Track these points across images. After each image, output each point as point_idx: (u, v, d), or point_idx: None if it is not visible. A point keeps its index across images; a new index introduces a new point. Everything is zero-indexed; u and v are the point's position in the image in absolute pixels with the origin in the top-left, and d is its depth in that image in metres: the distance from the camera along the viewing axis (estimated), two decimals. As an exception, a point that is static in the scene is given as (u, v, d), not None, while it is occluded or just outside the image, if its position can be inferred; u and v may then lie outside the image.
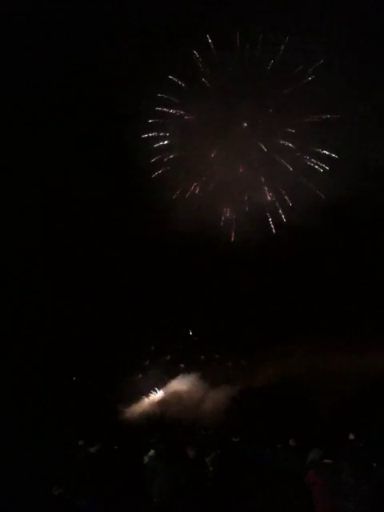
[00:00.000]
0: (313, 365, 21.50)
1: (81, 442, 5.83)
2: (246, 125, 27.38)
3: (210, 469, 6.54)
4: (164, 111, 26.96)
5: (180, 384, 26.02)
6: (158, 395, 25.33)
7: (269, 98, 26.19)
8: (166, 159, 28.42)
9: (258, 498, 5.43)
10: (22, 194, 26.97)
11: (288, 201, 28.32)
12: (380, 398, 16.43)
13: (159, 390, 25.70)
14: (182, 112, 27.25)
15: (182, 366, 28.52)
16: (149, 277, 29.82)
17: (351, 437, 6.30)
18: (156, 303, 28.66)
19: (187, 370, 27.59)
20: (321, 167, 26.86)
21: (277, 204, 28.77)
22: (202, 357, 28.58)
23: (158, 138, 27.73)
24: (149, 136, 27.37)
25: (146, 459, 6.19)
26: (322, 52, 24.54)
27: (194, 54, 25.88)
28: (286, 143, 26.74)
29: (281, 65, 25.17)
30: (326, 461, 5.40)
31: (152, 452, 6.29)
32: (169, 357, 29.05)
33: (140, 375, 27.86)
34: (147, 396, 24.99)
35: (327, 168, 26.90)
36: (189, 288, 29.41)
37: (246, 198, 29.32)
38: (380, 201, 25.59)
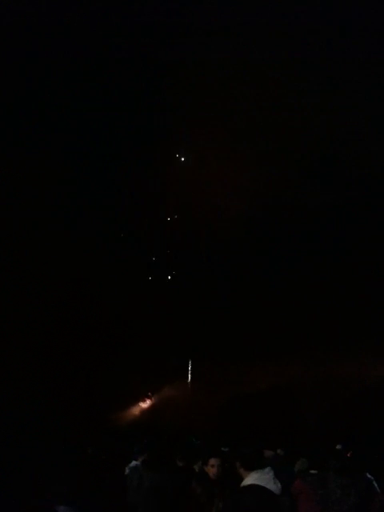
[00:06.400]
0: (305, 373, 21.50)
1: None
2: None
3: (198, 477, 6.48)
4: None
5: (173, 389, 25.89)
6: (148, 400, 25.17)
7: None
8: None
9: (245, 506, 5.38)
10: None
11: None
12: (369, 408, 16.45)
13: (151, 394, 25.56)
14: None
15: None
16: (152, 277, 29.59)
17: (338, 447, 6.29)
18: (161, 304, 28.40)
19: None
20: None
21: None
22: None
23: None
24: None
25: (127, 470, 6.11)
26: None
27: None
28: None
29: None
30: (312, 471, 5.38)
31: (134, 463, 6.21)
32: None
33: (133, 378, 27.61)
34: (138, 401, 24.83)
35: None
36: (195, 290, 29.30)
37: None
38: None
